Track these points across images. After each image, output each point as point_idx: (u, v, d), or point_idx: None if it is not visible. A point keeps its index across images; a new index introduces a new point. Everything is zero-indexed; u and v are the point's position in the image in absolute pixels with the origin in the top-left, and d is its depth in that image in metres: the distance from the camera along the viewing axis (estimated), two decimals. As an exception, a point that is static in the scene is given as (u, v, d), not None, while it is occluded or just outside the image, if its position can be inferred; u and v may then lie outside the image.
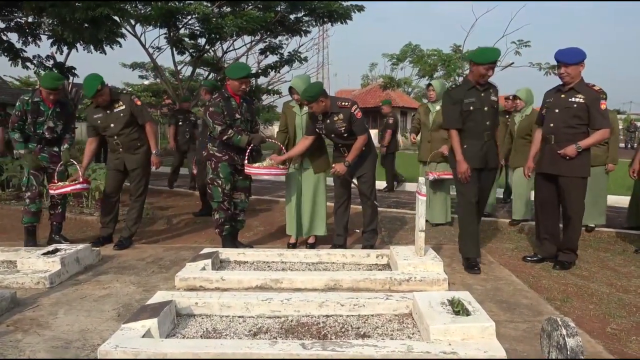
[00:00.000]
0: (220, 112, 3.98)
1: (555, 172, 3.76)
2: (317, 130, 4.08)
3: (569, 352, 1.71)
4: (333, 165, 4.12)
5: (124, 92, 4.66)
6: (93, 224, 5.39)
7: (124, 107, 4.31)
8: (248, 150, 4.02)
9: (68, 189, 4.23)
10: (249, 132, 4.16)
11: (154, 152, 4.44)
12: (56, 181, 4.29)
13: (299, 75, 4.47)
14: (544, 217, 3.96)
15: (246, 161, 4.02)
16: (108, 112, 4.31)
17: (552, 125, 3.76)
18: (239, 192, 4.26)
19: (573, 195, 3.74)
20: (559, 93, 3.75)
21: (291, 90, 4.27)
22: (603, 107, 3.63)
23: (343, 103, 3.98)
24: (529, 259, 4.09)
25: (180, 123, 7.56)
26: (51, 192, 4.25)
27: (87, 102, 4.58)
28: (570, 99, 3.67)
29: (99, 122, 4.33)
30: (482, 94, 3.75)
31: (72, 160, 4.38)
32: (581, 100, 3.63)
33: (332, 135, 4.06)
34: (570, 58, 3.62)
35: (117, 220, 4.68)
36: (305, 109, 4.22)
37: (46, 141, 4.40)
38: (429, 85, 5.57)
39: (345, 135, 4.01)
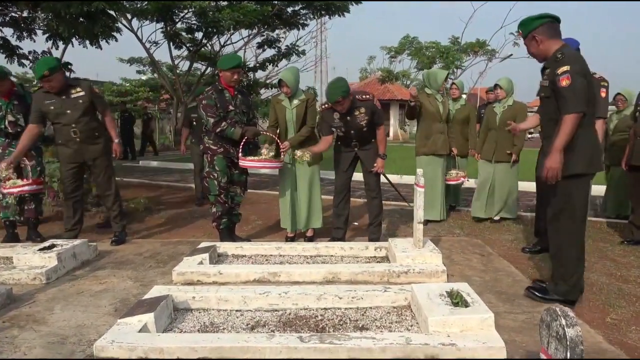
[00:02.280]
0: (213, 105, 3.94)
1: None
2: (333, 129, 4.01)
3: (568, 343, 1.69)
4: (375, 164, 4.07)
5: (85, 79, 4.51)
6: (88, 220, 5.36)
7: (83, 93, 4.07)
8: (242, 143, 3.98)
9: (16, 190, 4.04)
10: (245, 124, 4.11)
11: (116, 140, 4.27)
12: (8, 179, 4.07)
13: (288, 67, 4.40)
14: (544, 208, 3.93)
15: (240, 154, 3.98)
16: (64, 97, 4.02)
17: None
18: (234, 186, 4.22)
19: None
20: None
21: (280, 82, 4.20)
22: (603, 95, 3.57)
23: (364, 96, 3.95)
24: (527, 250, 4.08)
25: (194, 123, 6.38)
26: (3, 190, 4.07)
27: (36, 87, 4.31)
28: None
29: (51, 107, 4.01)
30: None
31: (25, 157, 4.24)
32: None
33: (352, 131, 4.01)
34: None
35: (82, 221, 4.45)
36: (296, 101, 4.18)
37: (12, 136, 4.30)
38: (496, 85, 5.22)
39: (365, 129, 3.99)
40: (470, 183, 6.52)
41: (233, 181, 4.19)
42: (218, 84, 4.06)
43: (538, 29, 2.80)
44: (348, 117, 3.93)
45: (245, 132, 3.98)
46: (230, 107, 4.02)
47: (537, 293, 2.96)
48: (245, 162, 3.97)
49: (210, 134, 4.05)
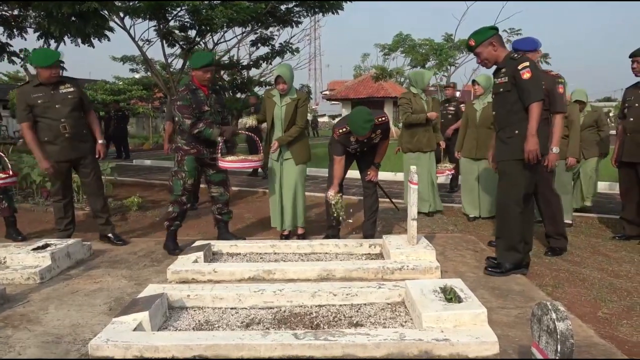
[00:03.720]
0: (188, 105, 3.83)
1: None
2: (348, 150, 4.00)
3: (558, 336, 1.71)
4: (368, 172, 4.13)
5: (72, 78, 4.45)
6: (81, 218, 5.34)
7: (72, 89, 4.03)
8: (220, 143, 3.88)
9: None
10: (220, 124, 4.01)
11: (100, 141, 4.19)
12: None
13: (284, 64, 4.40)
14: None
15: (219, 155, 3.87)
16: (52, 92, 3.95)
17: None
18: (215, 185, 4.12)
19: (541, 180, 3.68)
20: None
21: (277, 79, 4.10)
22: (560, 90, 3.64)
23: (380, 119, 3.88)
24: (494, 244, 3.79)
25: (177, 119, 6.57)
26: None
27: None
28: None
29: (39, 101, 3.91)
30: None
31: None
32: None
33: (365, 149, 4.04)
34: (525, 46, 3.70)
35: (75, 221, 4.40)
36: (287, 99, 4.15)
37: None
38: (474, 81, 5.34)
39: (375, 144, 4.04)
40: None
41: (212, 182, 4.11)
42: (191, 84, 3.94)
43: (494, 37, 3.27)
44: (365, 140, 3.92)
45: (223, 133, 3.88)
46: (205, 107, 3.92)
47: (495, 270, 3.35)
48: (224, 163, 3.87)
49: (183, 134, 3.95)
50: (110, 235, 4.34)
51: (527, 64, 3.12)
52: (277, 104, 4.19)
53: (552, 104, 3.60)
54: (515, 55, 3.26)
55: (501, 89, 3.29)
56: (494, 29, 3.31)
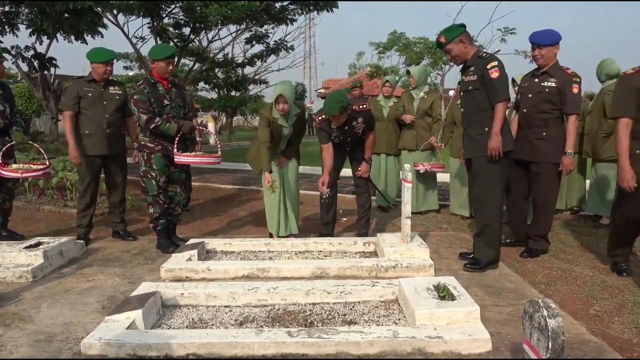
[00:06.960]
0: (145, 100, 3.73)
1: (528, 159, 3.68)
2: (331, 138, 3.98)
3: (550, 333, 1.72)
4: (359, 168, 4.10)
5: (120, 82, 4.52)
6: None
7: (120, 92, 4.21)
8: (177, 138, 3.78)
9: (38, 173, 4.02)
10: (181, 119, 3.93)
11: (136, 145, 4.22)
12: (2, 165, 3.89)
13: (282, 81, 4.09)
14: (511, 202, 3.94)
15: (175, 150, 3.76)
16: (102, 90, 4.10)
17: (525, 110, 3.73)
18: (174, 184, 4.03)
19: (544, 182, 3.68)
20: (533, 77, 3.71)
21: (278, 99, 3.85)
22: (575, 91, 3.53)
23: (361, 106, 3.88)
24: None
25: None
26: (16, 175, 3.90)
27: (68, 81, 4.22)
28: (542, 83, 3.62)
29: (89, 94, 4.05)
30: None
31: (31, 142, 4.24)
32: (553, 84, 3.57)
33: (348, 139, 4.02)
34: (543, 39, 3.57)
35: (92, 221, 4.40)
36: (292, 117, 4.02)
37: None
38: (408, 72, 5.49)
39: (360, 135, 4.02)
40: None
41: (173, 180, 4.01)
42: (150, 77, 3.87)
43: (463, 35, 3.32)
44: (346, 127, 3.90)
45: (182, 127, 3.80)
46: (165, 102, 3.83)
47: (474, 266, 3.41)
48: (181, 158, 3.75)
49: (145, 131, 3.85)
50: (120, 231, 4.41)
51: (496, 63, 3.21)
52: (284, 126, 4.00)
53: (564, 104, 3.55)
54: (484, 54, 3.36)
55: (470, 87, 3.35)
56: (463, 26, 3.37)
